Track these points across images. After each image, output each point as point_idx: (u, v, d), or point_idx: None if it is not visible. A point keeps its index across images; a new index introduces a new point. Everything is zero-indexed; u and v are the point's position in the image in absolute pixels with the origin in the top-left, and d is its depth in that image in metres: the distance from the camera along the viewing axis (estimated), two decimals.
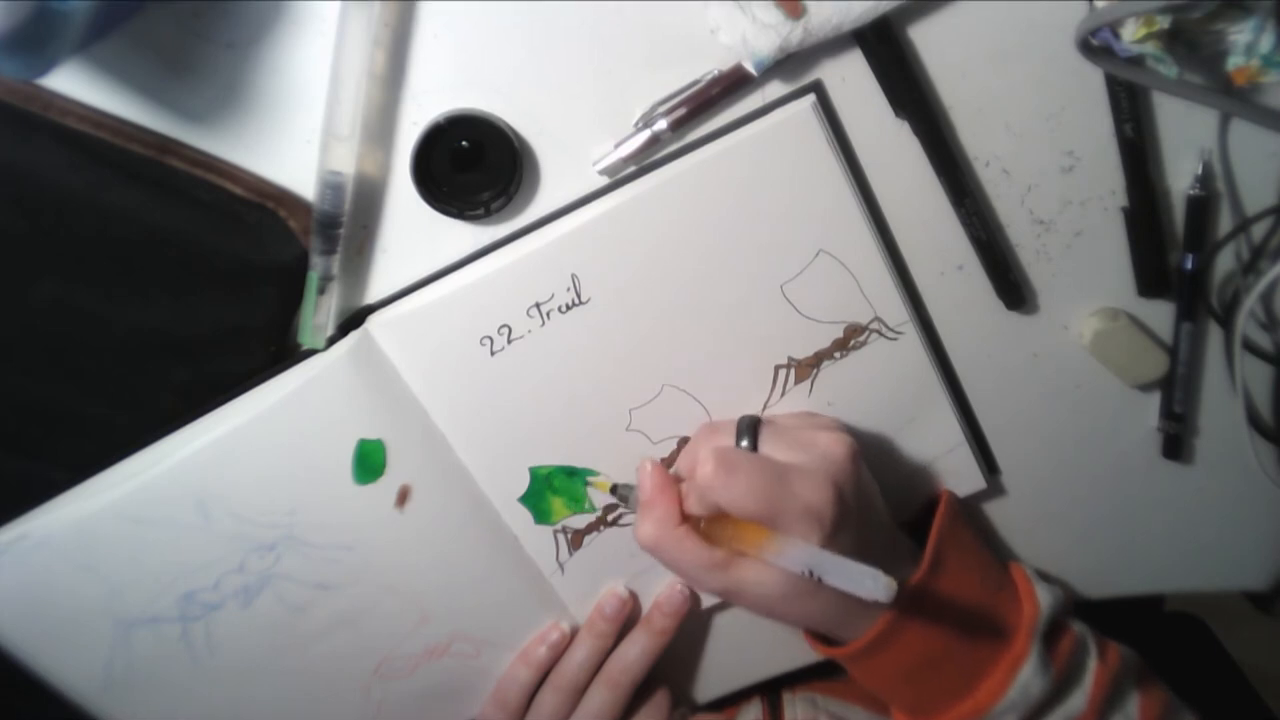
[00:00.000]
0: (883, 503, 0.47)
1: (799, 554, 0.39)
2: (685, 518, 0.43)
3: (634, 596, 0.51)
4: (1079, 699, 0.45)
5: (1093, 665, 0.46)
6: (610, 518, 0.49)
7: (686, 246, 0.44)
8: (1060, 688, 0.45)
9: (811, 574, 0.39)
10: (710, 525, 0.42)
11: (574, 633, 0.51)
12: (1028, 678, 0.43)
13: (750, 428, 0.44)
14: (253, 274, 0.42)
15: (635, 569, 0.50)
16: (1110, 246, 0.47)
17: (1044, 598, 0.46)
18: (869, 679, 0.46)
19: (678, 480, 0.44)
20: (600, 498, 0.48)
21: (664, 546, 0.42)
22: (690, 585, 0.50)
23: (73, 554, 0.43)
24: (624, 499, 0.47)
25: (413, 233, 0.44)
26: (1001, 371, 0.50)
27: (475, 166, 0.42)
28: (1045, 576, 0.51)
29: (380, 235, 0.44)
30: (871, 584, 0.37)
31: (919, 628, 0.44)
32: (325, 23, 0.39)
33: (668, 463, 0.48)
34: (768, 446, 0.43)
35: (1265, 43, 0.39)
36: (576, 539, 0.49)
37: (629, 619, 0.51)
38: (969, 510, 0.52)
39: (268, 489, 0.44)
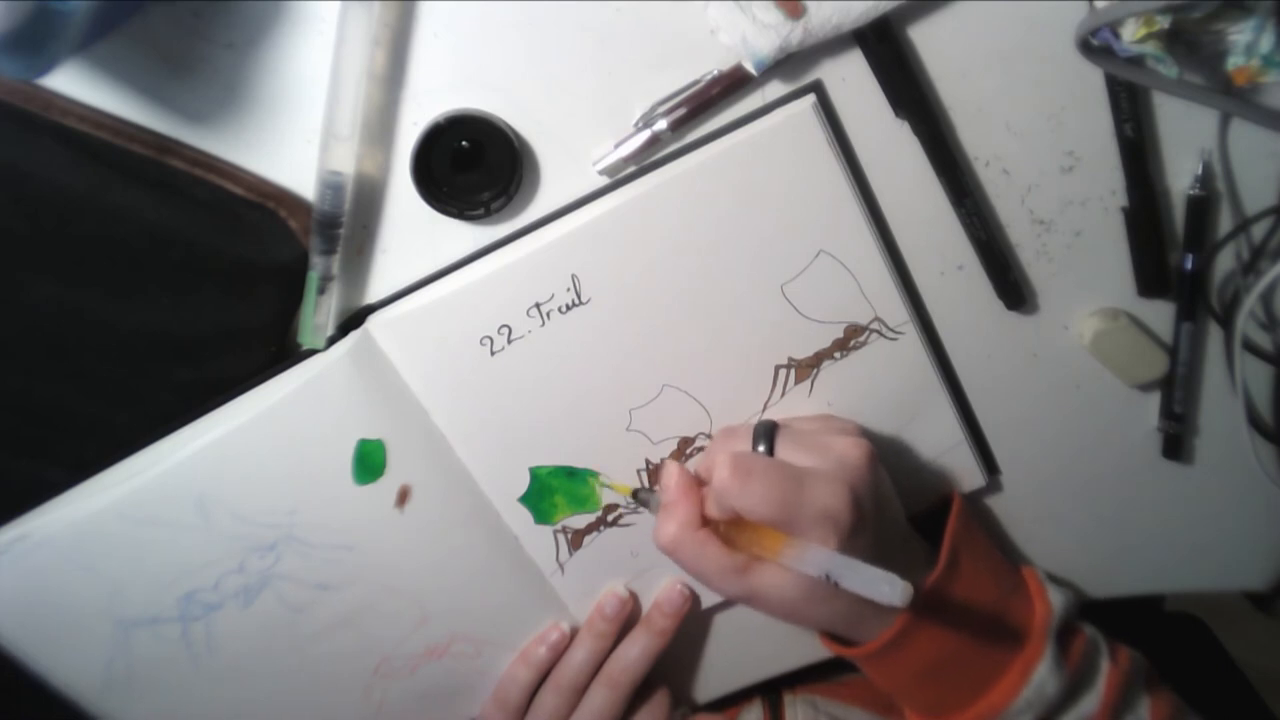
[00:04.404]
0: (899, 505, 0.47)
1: (816, 558, 0.39)
2: (706, 521, 0.43)
3: (634, 596, 0.51)
4: (1092, 700, 0.45)
5: (1105, 666, 0.46)
6: (610, 518, 0.49)
7: (687, 246, 0.44)
8: (1074, 688, 0.45)
9: (829, 578, 0.39)
10: (730, 529, 0.42)
11: (574, 633, 0.51)
12: (1042, 677, 0.43)
13: (767, 432, 0.44)
14: (253, 274, 0.42)
15: (635, 569, 0.51)
16: (1110, 246, 0.47)
17: (1056, 599, 0.47)
18: (884, 679, 0.46)
19: (701, 484, 0.44)
20: (606, 496, 0.48)
21: (684, 549, 0.42)
22: (708, 588, 0.50)
23: (73, 554, 0.43)
24: (644, 503, 0.47)
25: (413, 233, 0.44)
26: (1001, 371, 0.50)
27: (475, 166, 0.42)
28: (1049, 577, 0.51)
29: (380, 235, 0.44)
30: (888, 589, 0.37)
31: (934, 629, 0.44)
32: (325, 23, 0.39)
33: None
34: (784, 451, 0.43)
35: (1265, 43, 0.39)
36: (576, 539, 0.49)
37: (629, 619, 0.51)
38: (976, 511, 0.52)
39: (268, 489, 0.44)
